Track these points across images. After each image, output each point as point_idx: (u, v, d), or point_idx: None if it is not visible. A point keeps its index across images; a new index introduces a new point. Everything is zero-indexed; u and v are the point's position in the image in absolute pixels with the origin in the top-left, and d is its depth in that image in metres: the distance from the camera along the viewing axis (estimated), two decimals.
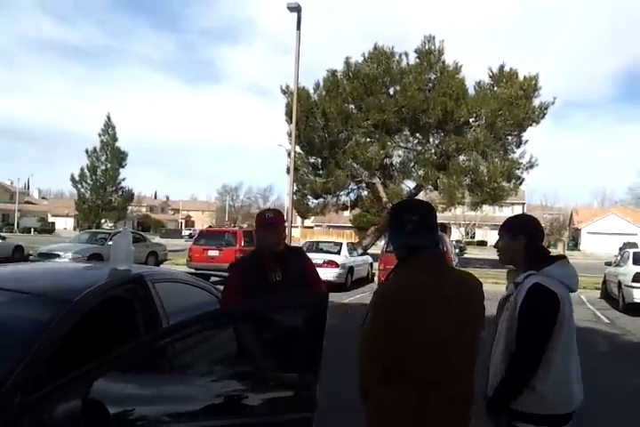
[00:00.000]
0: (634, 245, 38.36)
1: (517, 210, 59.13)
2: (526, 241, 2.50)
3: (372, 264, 18.12)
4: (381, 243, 23.71)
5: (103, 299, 2.57)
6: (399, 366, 1.97)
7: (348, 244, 17.46)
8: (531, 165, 23.70)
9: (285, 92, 24.95)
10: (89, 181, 37.68)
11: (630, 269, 12.55)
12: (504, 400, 2.36)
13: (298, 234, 44.24)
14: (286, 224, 23.91)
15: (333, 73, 24.65)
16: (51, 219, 73.26)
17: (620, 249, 21.80)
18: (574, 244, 61.66)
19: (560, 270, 2.44)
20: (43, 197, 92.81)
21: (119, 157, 37.90)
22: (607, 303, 14.13)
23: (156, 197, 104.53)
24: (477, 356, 2.14)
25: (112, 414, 1.96)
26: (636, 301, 11.99)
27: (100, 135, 37.64)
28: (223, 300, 3.13)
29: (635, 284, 12.04)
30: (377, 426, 2.03)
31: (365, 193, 27.80)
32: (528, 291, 2.35)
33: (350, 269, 15.54)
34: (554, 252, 2.82)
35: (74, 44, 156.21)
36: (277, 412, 2.11)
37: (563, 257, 2.56)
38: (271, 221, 3.11)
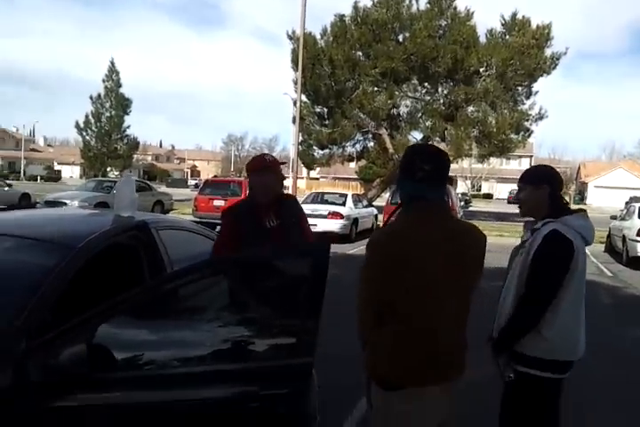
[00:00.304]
0: None
1: (525, 163, 58.66)
2: (550, 190, 2.51)
3: (376, 216, 18.14)
4: (386, 195, 23.66)
5: (107, 245, 2.57)
6: (391, 308, 1.97)
7: (353, 195, 17.42)
8: (540, 117, 23.34)
9: (292, 37, 24.30)
10: (94, 128, 37.49)
11: (635, 223, 12.54)
12: (508, 342, 2.40)
13: (303, 185, 44.19)
14: (291, 175, 23.83)
15: (341, 18, 23.89)
16: (57, 167, 73.13)
17: (627, 203, 21.70)
18: (580, 198, 61.43)
19: (578, 221, 2.46)
20: (48, 145, 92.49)
21: (123, 104, 37.53)
22: (611, 257, 14.23)
23: (161, 146, 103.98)
24: (471, 304, 2.13)
25: (121, 359, 2.00)
26: None
27: (104, 81, 37.20)
28: (215, 246, 3.02)
29: (639, 238, 12.06)
30: (373, 368, 2.06)
31: (372, 144, 27.51)
32: (545, 237, 2.37)
33: (355, 221, 15.57)
34: None
35: None
36: (280, 357, 2.13)
37: (582, 210, 2.59)
38: (266, 164, 2.99)
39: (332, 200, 16.15)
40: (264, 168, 2.96)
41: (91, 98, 37.17)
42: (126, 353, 2.03)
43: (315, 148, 26.24)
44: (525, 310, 2.34)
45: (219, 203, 16.11)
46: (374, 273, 1.98)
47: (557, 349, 2.39)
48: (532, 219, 2.60)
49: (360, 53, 23.68)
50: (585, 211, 2.61)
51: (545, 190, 2.50)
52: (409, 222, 2.02)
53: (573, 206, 2.74)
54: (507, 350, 2.41)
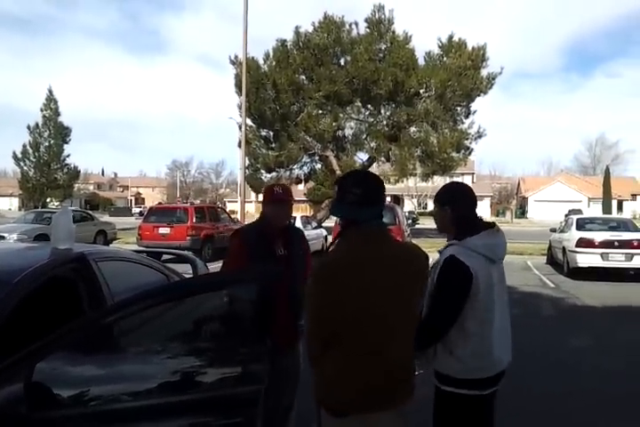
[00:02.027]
0: (579, 211, 39.91)
1: (467, 180, 60.26)
2: (451, 211, 2.51)
3: (326, 237, 18.20)
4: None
5: (44, 279, 2.48)
6: (336, 336, 1.98)
7: (302, 217, 17.46)
8: (479, 136, 24.16)
9: (234, 62, 24.44)
10: (32, 158, 36.43)
11: (574, 234, 13.01)
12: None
13: (252, 209, 43.95)
14: (239, 199, 23.68)
15: (283, 43, 24.21)
16: None
17: (566, 216, 22.59)
18: (522, 212, 63.50)
19: (483, 241, 2.43)
20: None
21: (63, 133, 36.69)
22: (553, 269, 14.66)
23: (103, 174, 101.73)
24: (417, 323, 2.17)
25: (63, 396, 1.92)
26: (580, 265, 12.49)
27: (41, 110, 36.28)
28: (228, 267, 3.14)
29: (578, 249, 12.51)
30: (320, 395, 2.05)
31: (319, 166, 27.74)
32: (443, 262, 2.40)
33: None
34: (502, 220, 2.87)
35: (12, 13, 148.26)
36: (229, 386, 2.09)
37: (492, 225, 2.56)
38: (282, 197, 3.14)
39: None
40: (275, 200, 3.12)
41: (28, 127, 36.22)
42: (69, 390, 1.95)
43: (262, 171, 26.25)
44: (422, 333, 2.27)
45: (164, 231, 15.82)
46: (318, 303, 1.99)
47: (470, 368, 2.40)
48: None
49: (303, 77, 24.01)
50: (495, 225, 2.58)
51: (446, 212, 2.52)
52: (347, 250, 2.05)
53: (502, 220, 2.78)
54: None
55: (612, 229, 13.54)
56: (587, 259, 12.40)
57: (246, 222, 12.52)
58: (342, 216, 2.11)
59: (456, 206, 2.52)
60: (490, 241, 2.46)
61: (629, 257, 12.31)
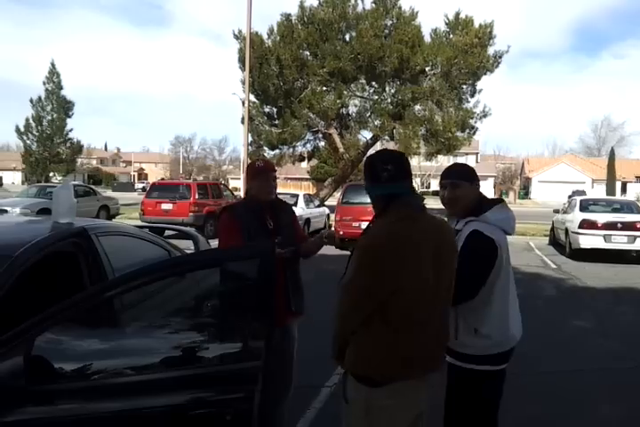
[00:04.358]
0: (582, 192, 39.79)
1: (471, 160, 60.05)
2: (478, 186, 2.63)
3: (328, 216, 18.20)
4: (338, 194, 23.80)
5: (45, 253, 2.46)
6: (382, 309, 2.01)
7: (304, 195, 17.42)
8: (484, 115, 23.88)
9: (238, 37, 24.10)
10: (35, 132, 36.24)
11: (577, 215, 12.99)
12: None
13: None
14: (242, 176, 23.58)
15: (287, 17, 23.83)
16: None
17: (569, 197, 22.52)
18: (525, 192, 63.33)
19: (498, 215, 2.54)
20: None
21: (65, 107, 36.42)
22: (555, 249, 14.69)
23: (106, 149, 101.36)
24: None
25: (63, 370, 1.93)
26: (582, 246, 12.50)
27: (44, 83, 35.97)
28: (223, 243, 3.12)
29: (581, 230, 12.50)
30: (357, 366, 2.09)
31: (322, 144, 27.59)
32: (467, 237, 2.45)
33: (307, 221, 15.58)
34: (506, 200, 2.92)
35: None
36: (227, 362, 2.09)
37: (501, 200, 2.68)
38: (264, 169, 3.15)
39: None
40: (259, 173, 3.12)
41: (31, 101, 35.94)
42: (69, 364, 1.96)
43: (265, 148, 26.08)
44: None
45: (167, 206, 15.81)
46: (370, 275, 2.00)
47: (493, 344, 2.50)
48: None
49: (308, 53, 23.69)
50: (503, 201, 2.70)
51: (478, 187, 2.62)
52: (390, 228, 2.06)
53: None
54: None
55: (615, 210, 13.52)
56: (589, 240, 12.41)
57: None
58: (382, 194, 2.14)
59: (478, 183, 2.64)
60: (504, 215, 2.59)
61: (632, 239, 12.31)
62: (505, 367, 2.60)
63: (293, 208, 3.36)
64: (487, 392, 2.55)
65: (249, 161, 21.76)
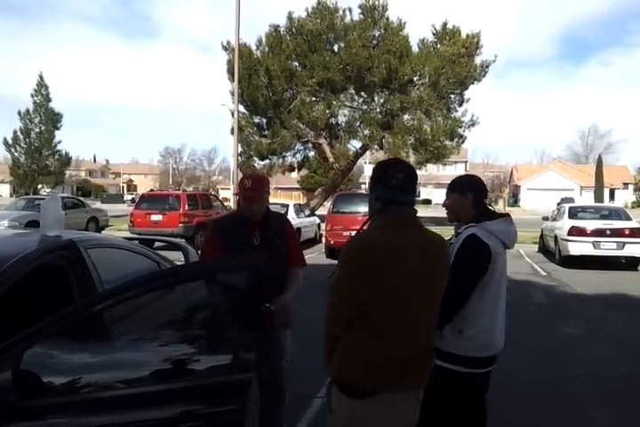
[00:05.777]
0: (571, 200, 40.00)
1: (460, 168, 60.45)
2: (473, 198, 2.70)
3: (319, 225, 18.19)
4: (328, 204, 23.84)
5: (33, 266, 2.44)
6: (363, 316, 2.01)
7: (295, 205, 17.43)
8: (472, 124, 24.13)
9: (227, 48, 24.23)
10: (23, 144, 36.10)
11: (566, 223, 13.05)
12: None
13: None
14: (232, 186, 23.48)
15: (276, 28, 24.01)
16: None
17: (558, 204, 22.66)
18: (514, 200, 63.63)
19: (498, 226, 2.63)
20: None
21: (54, 119, 36.32)
22: (544, 257, 14.73)
23: (95, 161, 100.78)
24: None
25: (53, 384, 1.91)
26: (572, 253, 12.55)
27: (32, 96, 35.89)
28: (205, 257, 3.12)
29: (570, 237, 12.55)
30: (340, 376, 2.08)
31: (312, 154, 27.72)
32: (463, 240, 2.56)
33: (298, 231, 15.56)
34: (496, 209, 3.00)
35: None
36: (218, 374, 2.08)
37: (506, 215, 2.78)
38: (251, 195, 3.03)
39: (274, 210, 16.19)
40: (250, 198, 3.03)
41: (19, 113, 35.86)
42: (58, 378, 1.94)
43: (255, 158, 26.13)
44: (443, 309, 2.33)
45: (156, 218, 15.75)
46: (351, 281, 2.01)
47: (476, 346, 2.56)
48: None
49: (296, 64, 23.85)
50: (509, 216, 2.79)
51: (468, 198, 2.71)
52: (385, 231, 2.09)
53: (496, 208, 2.94)
54: None
55: (603, 217, 13.60)
56: (578, 247, 12.46)
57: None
58: (384, 198, 2.15)
59: (478, 193, 2.74)
60: (506, 228, 2.67)
61: (621, 245, 12.37)
62: (487, 372, 2.63)
63: None
64: (458, 395, 2.57)
65: (239, 172, 21.80)
